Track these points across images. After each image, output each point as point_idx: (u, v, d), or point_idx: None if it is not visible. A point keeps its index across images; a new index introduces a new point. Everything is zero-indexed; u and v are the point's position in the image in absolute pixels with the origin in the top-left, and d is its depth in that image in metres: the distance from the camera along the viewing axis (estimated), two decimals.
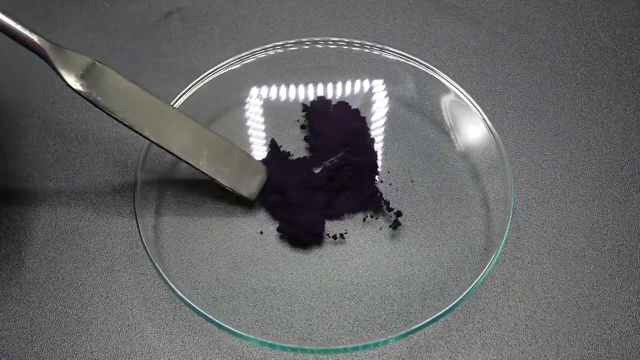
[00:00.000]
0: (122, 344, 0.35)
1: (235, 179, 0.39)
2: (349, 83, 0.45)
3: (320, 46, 0.44)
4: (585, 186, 0.41)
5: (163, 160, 0.40)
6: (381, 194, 0.39)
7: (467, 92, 0.41)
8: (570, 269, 0.38)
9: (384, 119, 0.43)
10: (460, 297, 0.34)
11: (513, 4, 0.50)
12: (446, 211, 0.39)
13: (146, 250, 0.35)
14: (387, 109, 0.44)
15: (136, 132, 0.37)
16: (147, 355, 0.35)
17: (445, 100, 0.42)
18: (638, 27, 0.49)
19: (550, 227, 0.39)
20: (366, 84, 0.45)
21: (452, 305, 0.34)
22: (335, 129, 0.42)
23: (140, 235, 0.36)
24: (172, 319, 0.36)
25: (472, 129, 0.41)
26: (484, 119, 0.40)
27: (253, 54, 0.44)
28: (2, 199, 0.40)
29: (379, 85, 0.44)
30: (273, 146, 0.42)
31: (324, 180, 0.39)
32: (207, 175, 0.38)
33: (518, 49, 0.47)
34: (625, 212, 0.40)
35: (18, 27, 0.34)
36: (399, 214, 0.38)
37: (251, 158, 0.40)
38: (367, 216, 0.39)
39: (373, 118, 0.43)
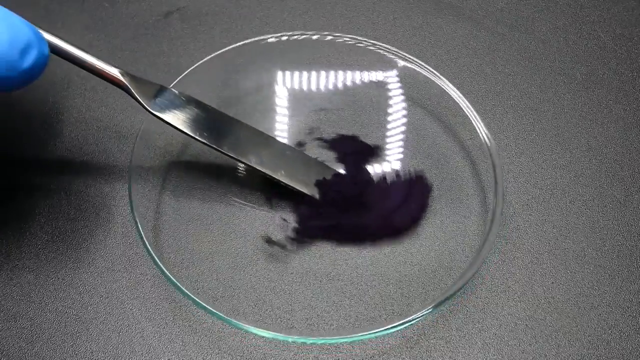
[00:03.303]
0: (122, 344, 0.35)
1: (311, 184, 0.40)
2: (349, 81, 0.45)
3: (329, 38, 0.44)
4: (585, 186, 0.41)
5: (164, 160, 0.40)
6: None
7: (466, 93, 0.41)
8: (570, 269, 0.38)
9: (383, 119, 0.43)
10: (440, 300, 0.34)
11: (513, 4, 0.50)
12: (446, 211, 0.39)
13: (147, 247, 0.35)
14: (386, 108, 0.44)
15: (216, 149, 0.38)
16: (147, 355, 0.35)
17: (444, 101, 0.42)
18: (638, 27, 0.49)
19: (550, 227, 0.39)
20: (367, 83, 0.45)
21: (435, 304, 0.34)
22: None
23: (141, 234, 0.36)
24: (172, 319, 0.36)
25: (469, 129, 0.41)
26: (476, 119, 0.40)
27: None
28: (2, 199, 0.40)
29: (379, 85, 0.44)
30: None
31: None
32: (285, 184, 0.39)
33: (518, 49, 0.47)
34: (625, 212, 0.40)
35: (98, 63, 0.36)
36: None
37: (325, 165, 0.41)
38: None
39: (378, 108, 0.44)
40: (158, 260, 0.35)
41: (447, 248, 0.38)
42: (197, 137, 0.37)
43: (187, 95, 0.39)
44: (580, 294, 0.37)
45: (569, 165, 0.42)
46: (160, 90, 0.38)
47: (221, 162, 0.41)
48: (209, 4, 0.50)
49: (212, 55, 0.42)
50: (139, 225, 0.36)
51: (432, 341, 0.35)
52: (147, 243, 0.35)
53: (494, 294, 0.37)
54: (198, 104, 0.39)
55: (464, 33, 0.48)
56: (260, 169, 0.38)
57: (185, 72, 0.41)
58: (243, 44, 0.43)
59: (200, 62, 0.42)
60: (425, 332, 0.35)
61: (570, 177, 0.41)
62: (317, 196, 0.39)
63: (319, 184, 0.39)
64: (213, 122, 0.39)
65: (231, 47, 0.43)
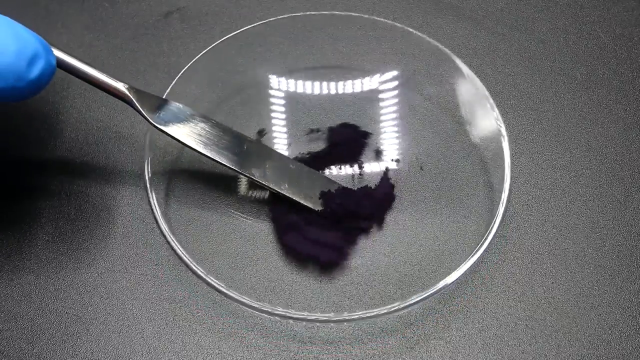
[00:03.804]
0: (122, 345, 0.35)
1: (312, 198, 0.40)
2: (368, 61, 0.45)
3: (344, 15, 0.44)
4: (585, 186, 0.41)
5: (164, 161, 0.40)
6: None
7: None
8: (570, 269, 0.38)
9: (397, 104, 0.43)
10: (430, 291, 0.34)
11: (513, 4, 0.50)
12: (446, 211, 0.39)
13: (161, 230, 0.35)
14: (399, 91, 0.44)
15: (220, 163, 0.38)
16: (147, 355, 0.35)
17: (464, 93, 0.42)
18: (638, 27, 0.49)
19: (550, 227, 0.39)
20: (367, 78, 0.44)
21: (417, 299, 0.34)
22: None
23: (156, 219, 0.36)
24: (172, 319, 0.36)
25: (484, 124, 0.40)
26: (496, 115, 0.40)
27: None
28: (2, 200, 0.40)
29: (396, 70, 0.44)
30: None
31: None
32: (289, 197, 0.39)
33: (518, 49, 0.47)
34: (625, 212, 0.40)
35: (104, 78, 0.36)
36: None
37: (329, 179, 0.41)
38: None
39: (387, 102, 0.44)
40: (176, 245, 0.35)
41: (447, 248, 0.38)
42: (200, 151, 0.38)
43: (191, 109, 0.39)
44: (580, 294, 0.37)
45: (569, 165, 0.42)
46: (165, 103, 0.38)
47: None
48: (209, 4, 0.50)
49: (203, 52, 0.42)
50: (156, 212, 0.36)
51: (432, 341, 0.35)
52: (165, 232, 0.35)
53: (494, 294, 0.37)
54: (202, 117, 0.39)
55: (464, 33, 0.48)
56: (264, 183, 0.39)
57: (179, 75, 0.41)
58: (235, 34, 0.43)
59: (193, 60, 0.42)
60: (425, 332, 0.35)
61: (570, 177, 0.41)
62: (320, 209, 0.39)
63: (323, 196, 0.39)
64: (217, 136, 0.39)
65: (222, 39, 0.43)
